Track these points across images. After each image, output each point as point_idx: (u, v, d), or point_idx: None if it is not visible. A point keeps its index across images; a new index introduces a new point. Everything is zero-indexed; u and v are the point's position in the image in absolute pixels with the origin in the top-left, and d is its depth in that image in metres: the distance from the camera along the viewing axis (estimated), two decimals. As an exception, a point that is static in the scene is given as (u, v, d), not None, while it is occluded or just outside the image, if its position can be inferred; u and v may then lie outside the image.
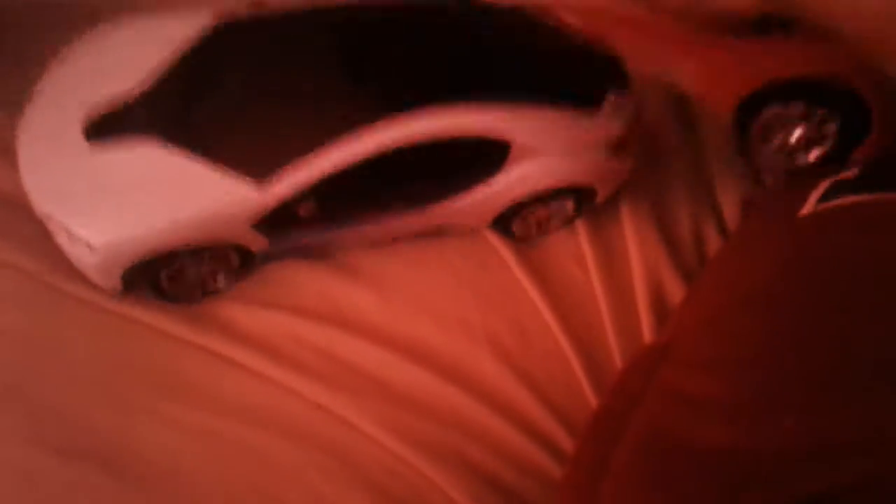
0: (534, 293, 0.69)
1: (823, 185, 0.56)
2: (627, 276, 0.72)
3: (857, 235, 0.52)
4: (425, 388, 0.64)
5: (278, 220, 0.62)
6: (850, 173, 0.56)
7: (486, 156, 0.65)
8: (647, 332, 0.67)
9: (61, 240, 0.62)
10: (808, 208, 0.56)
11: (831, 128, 0.54)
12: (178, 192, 0.60)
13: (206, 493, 0.58)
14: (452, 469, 0.61)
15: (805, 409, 0.44)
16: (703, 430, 0.46)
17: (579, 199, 0.72)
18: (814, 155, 0.56)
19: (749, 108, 0.55)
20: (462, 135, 0.63)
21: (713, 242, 0.74)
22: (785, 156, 0.57)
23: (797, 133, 0.56)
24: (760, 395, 0.46)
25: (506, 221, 0.71)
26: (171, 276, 0.64)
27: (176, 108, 0.63)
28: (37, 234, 0.64)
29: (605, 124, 0.68)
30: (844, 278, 0.49)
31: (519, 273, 0.70)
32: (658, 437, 0.48)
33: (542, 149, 0.65)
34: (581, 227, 0.74)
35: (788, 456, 0.43)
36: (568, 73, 0.68)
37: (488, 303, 0.69)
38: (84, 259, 0.61)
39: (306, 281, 0.68)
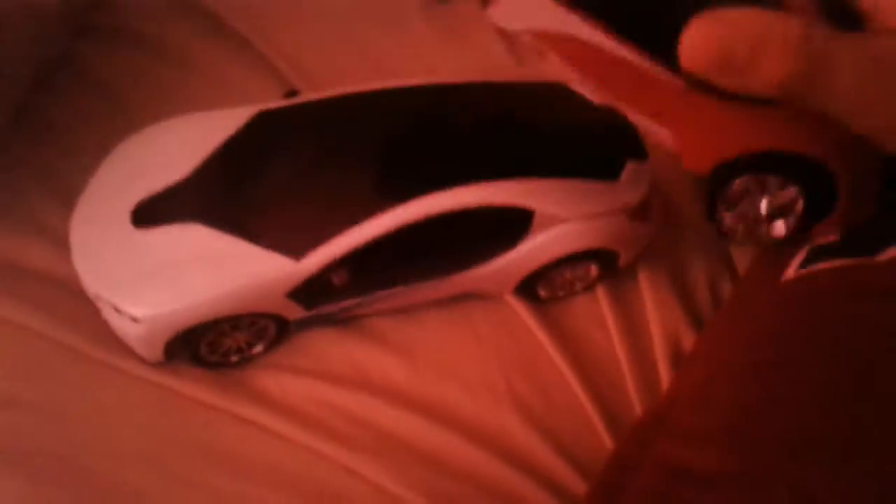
0: (556, 355, 0.71)
1: (804, 251, 0.57)
2: (646, 337, 0.73)
3: (838, 300, 0.52)
4: (451, 448, 0.66)
5: (312, 290, 0.66)
6: (828, 239, 0.57)
7: (512, 224, 0.68)
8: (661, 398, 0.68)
9: (109, 316, 0.65)
10: (790, 273, 0.56)
11: (799, 204, 0.55)
12: (217, 269, 0.64)
13: None
14: None
15: (795, 476, 0.44)
16: (699, 500, 0.46)
17: (602, 263, 0.74)
18: (777, 228, 0.56)
19: (723, 174, 0.55)
20: (486, 205, 0.66)
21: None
22: (747, 225, 0.57)
23: (763, 204, 0.56)
24: (748, 471, 0.46)
25: (531, 286, 0.74)
26: (210, 345, 0.67)
27: (216, 194, 0.67)
28: (85, 314, 0.68)
29: (624, 191, 0.70)
30: (829, 344, 0.50)
31: (541, 336, 0.72)
32: None
33: (564, 216, 0.68)
34: (600, 290, 0.76)
35: None
36: (587, 146, 0.72)
37: (512, 365, 0.71)
38: (130, 332, 0.64)
39: (335, 348, 0.71)
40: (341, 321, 0.72)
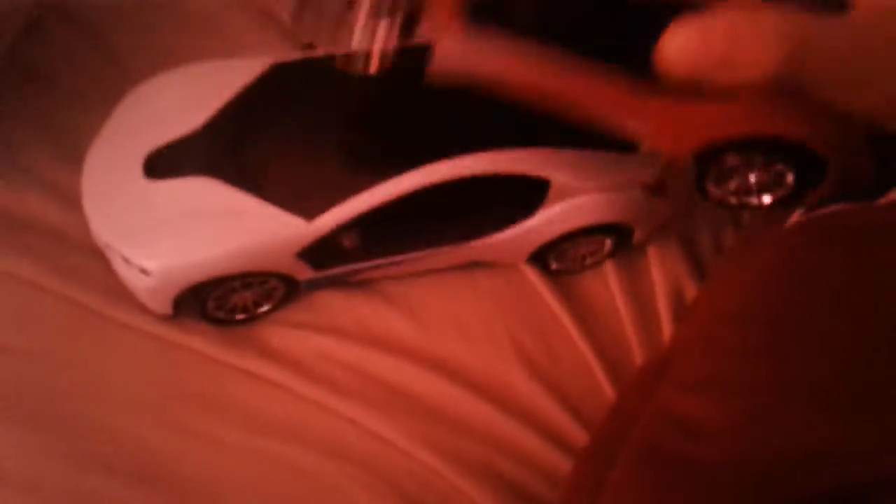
0: (559, 311, 0.72)
1: (808, 201, 0.56)
2: (649, 290, 0.74)
3: (839, 241, 0.52)
4: (456, 402, 0.66)
5: (323, 251, 0.65)
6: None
7: (528, 193, 0.67)
8: (661, 350, 0.68)
9: (118, 267, 0.65)
10: (791, 220, 0.56)
11: (788, 177, 0.54)
12: (230, 225, 0.63)
13: None
14: (483, 480, 0.62)
15: (795, 424, 0.44)
16: (696, 448, 0.46)
17: (617, 238, 0.73)
18: (767, 199, 0.56)
19: (706, 158, 0.55)
20: (503, 173, 0.65)
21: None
22: (739, 197, 0.57)
23: (752, 179, 0.56)
24: (750, 415, 0.46)
25: (543, 257, 0.73)
26: (217, 301, 0.66)
27: (228, 148, 0.66)
28: (88, 267, 0.68)
29: (641, 165, 0.69)
30: (831, 286, 0.49)
31: (543, 291, 0.73)
32: (652, 455, 0.48)
33: (581, 187, 0.67)
34: (602, 244, 0.75)
35: (780, 465, 0.44)
36: None
37: (516, 321, 0.71)
38: (139, 284, 0.64)
39: (340, 305, 0.71)
40: (350, 284, 0.72)
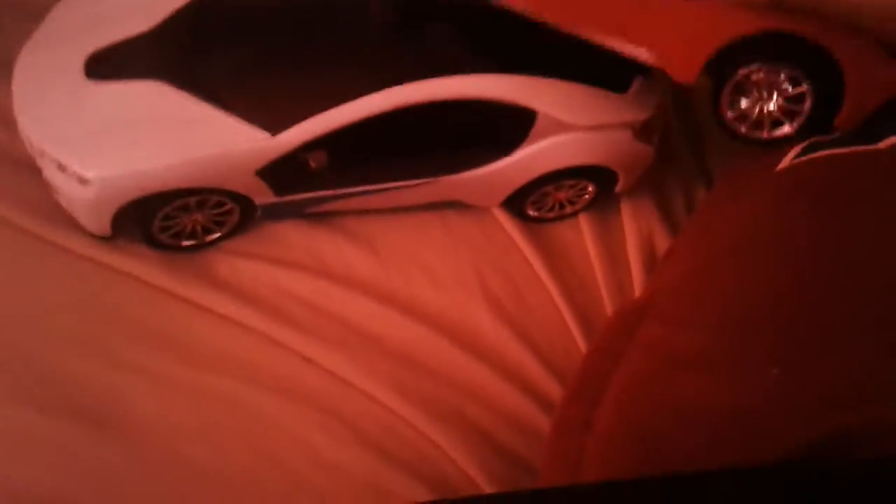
0: (529, 254, 0.69)
1: (801, 145, 0.57)
2: (620, 239, 0.72)
3: (835, 183, 0.53)
4: (421, 344, 0.63)
5: (286, 171, 0.60)
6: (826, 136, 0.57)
7: (510, 126, 0.63)
8: (640, 292, 0.67)
9: (53, 177, 0.59)
10: (784, 163, 0.56)
11: (807, 103, 0.55)
12: (183, 134, 0.58)
13: (194, 447, 0.56)
14: (451, 427, 0.59)
15: (787, 361, 0.44)
16: (685, 386, 0.46)
17: (600, 185, 0.69)
18: (783, 129, 0.57)
19: (720, 68, 0.56)
20: (486, 97, 0.61)
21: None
22: (750, 123, 0.58)
23: (771, 102, 0.56)
24: (739, 351, 0.46)
25: (520, 201, 0.69)
26: (164, 222, 0.61)
27: (186, 53, 0.61)
28: (19, 184, 0.63)
29: (631, 107, 0.66)
30: (821, 226, 0.50)
31: (514, 235, 0.70)
32: (640, 394, 0.48)
33: (569, 123, 0.63)
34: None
35: (773, 409, 0.44)
36: (596, 55, 0.67)
37: (485, 263, 0.68)
38: (76, 195, 0.58)
39: (295, 238, 0.67)
40: (308, 217, 0.67)
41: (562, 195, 0.70)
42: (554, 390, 0.62)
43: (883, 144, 0.54)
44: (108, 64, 0.60)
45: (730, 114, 0.57)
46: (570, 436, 0.49)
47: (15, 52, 0.64)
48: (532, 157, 0.65)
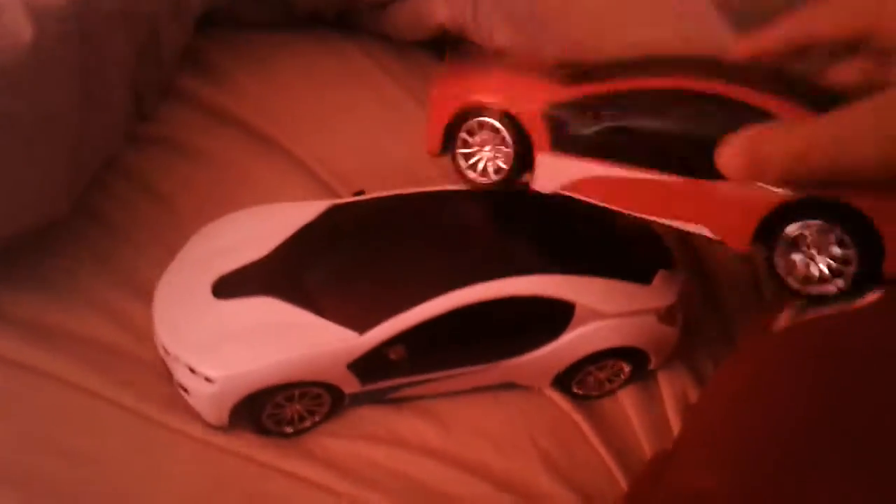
0: (576, 418, 0.79)
1: (794, 307, 0.63)
2: (659, 402, 0.82)
3: (816, 349, 0.58)
4: (488, 499, 0.72)
5: (370, 364, 0.72)
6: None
7: (554, 317, 0.75)
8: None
9: (181, 378, 0.71)
10: (780, 325, 0.63)
11: (852, 263, 0.58)
12: (287, 337, 0.70)
13: None
14: None
15: (793, 487, 0.49)
16: None
17: (634, 364, 0.80)
18: (828, 287, 0.60)
19: (768, 233, 0.61)
20: (535, 295, 0.73)
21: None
22: (803, 281, 0.61)
23: (814, 264, 0.60)
24: (753, 485, 0.51)
25: (566, 381, 0.80)
26: (272, 412, 0.72)
27: (290, 273, 0.74)
28: (143, 380, 0.75)
29: (655, 296, 0.78)
30: (809, 385, 0.55)
31: (562, 405, 0.80)
32: None
33: (602, 312, 0.75)
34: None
35: None
36: (623, 251, 0.80)
37: (537, 430, 0.78)
38: (202, 392, 0.70)
39: (372, 417, 0.77)
40: (385, 402, 0.78)
41: (602, 375, 0.80)
42: None
43: (859, 303, 0.59)
44: (230, 285, 0.73)
45: (782, 270, 0.62)
46: None
47: (150, 275, 0.78)
48: (574, 341, 0.76)
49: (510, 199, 0.80)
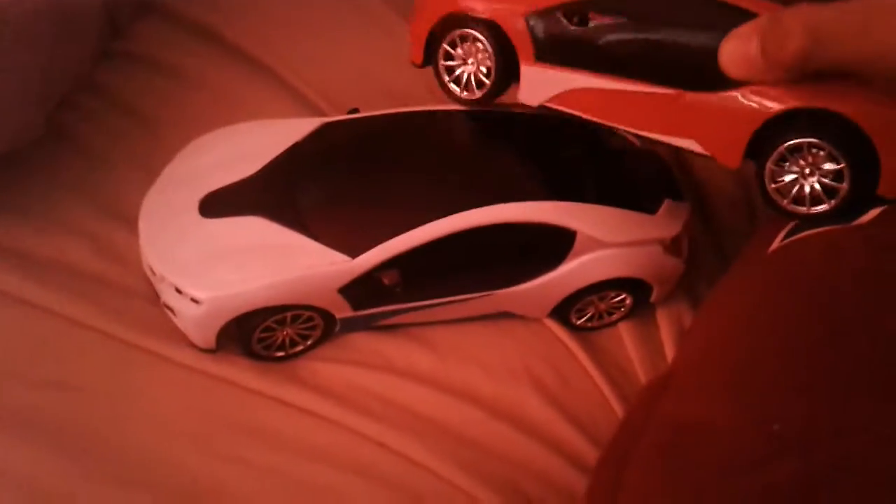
0: (570, 345, 0.78)
1: (788, 226, 0.62)
2: (653, 326, 0.80)
3: (813, 262, 0.57)
4: (479, 426, 0.71)
5: (362, 289, 0.69)
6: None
7: (554, 245, 0.72)
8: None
9: (168, 299, 0.69)
10: (774, 245, 0.61)
11: (845, 180, 0.56)
12: (277, 259, 0.68)
13: None
14: (508, 498, 0.66)
15: (789, 413, 0.49)
16: (702, 448, 0.50)
17: (636, 296, 0.77)
18: (820, 207, 0.59)
19: (759, 149, 0.59)
20: (533, 221, 0.70)
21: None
22: (794, 201, 0.60)
23: (807, 183, 0.59)
24: (750, 410, 0.50)
25: (565, 312, 0.77)
26: (261, 336, 0.70)
27: (280, 192, 0.72)
28: (130, 307, 0.73)
29: (661, 225, 0.75)
30: (807, 302, 0.54)
31: (557, 332, 0.79)
32: (662, 451, 0.52)
33: (605, 241, 0.72)
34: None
35: (776, 445, 0.48)
36: (628, 179, 0.77)
37: (531, 356, 0.77)
38: (189, 314, 0.68)
39: (363, 343, 0.75)
40: (377, 328, 0.76)
41: (602, 306, 0.78)
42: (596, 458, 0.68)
43: (864, 219, 0.57)
44: (217, 204, 0.70)
45: (772, 189, 0.60)
46: (602, 496, 0.55)
47: (130, 199, 0.75)
48: (574, 271, 0.73)
49: (512, 122, 0.76)
